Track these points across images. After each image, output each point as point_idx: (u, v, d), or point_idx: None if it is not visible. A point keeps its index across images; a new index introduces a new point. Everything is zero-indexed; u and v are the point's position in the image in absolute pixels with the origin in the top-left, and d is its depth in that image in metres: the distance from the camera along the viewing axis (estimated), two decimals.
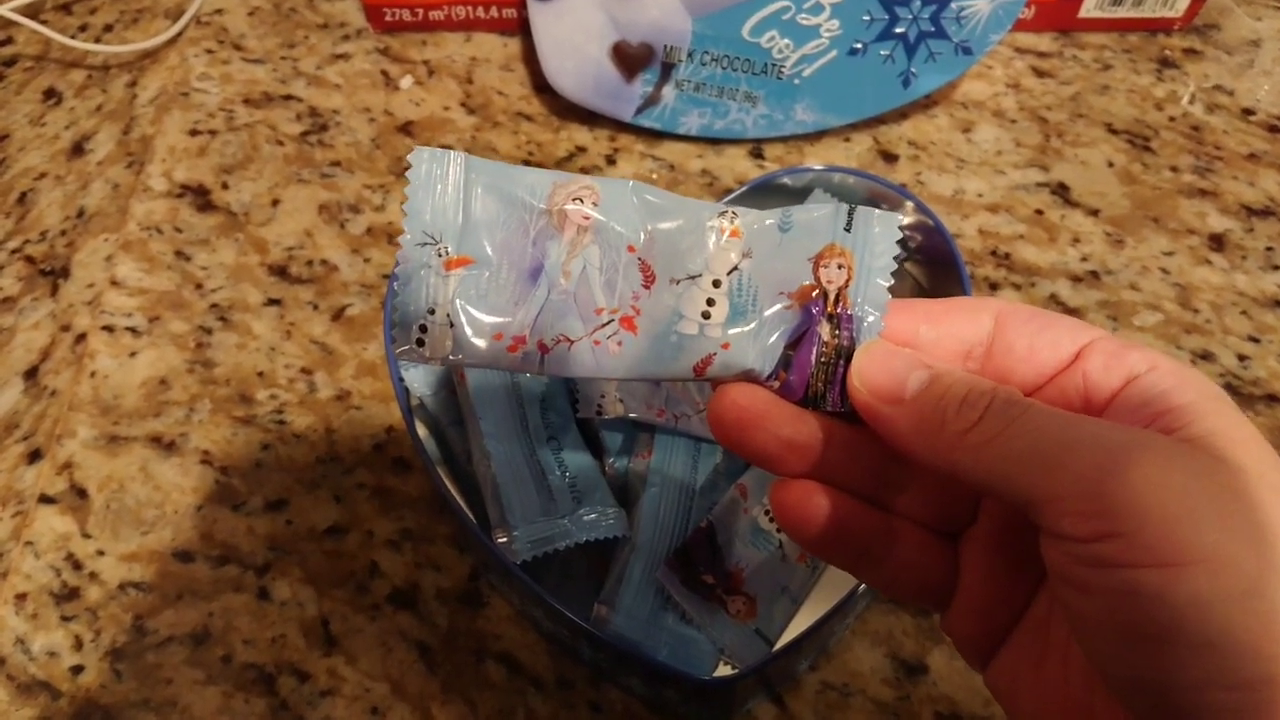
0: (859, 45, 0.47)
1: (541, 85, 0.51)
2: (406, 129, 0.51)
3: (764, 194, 0.41)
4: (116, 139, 0.51)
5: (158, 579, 0.37)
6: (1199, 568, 0.17)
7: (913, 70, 0.48)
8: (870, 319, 0.22)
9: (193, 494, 0.39)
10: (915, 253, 0.41)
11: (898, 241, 0.23)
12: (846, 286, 0.23)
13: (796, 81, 0.48)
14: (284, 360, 0.43)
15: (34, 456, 0.41)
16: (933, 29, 0.46)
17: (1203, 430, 0.19)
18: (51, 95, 0.54)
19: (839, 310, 0.23)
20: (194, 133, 0.51)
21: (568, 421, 0.37)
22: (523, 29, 0.53)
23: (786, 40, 0.46)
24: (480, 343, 0.22)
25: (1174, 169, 0.49)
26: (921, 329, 0.23)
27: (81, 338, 0.44)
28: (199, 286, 0.45)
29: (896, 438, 0.21)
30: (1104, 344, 0.22)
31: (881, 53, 0.47)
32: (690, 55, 0.47)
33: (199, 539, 0.38)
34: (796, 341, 0.23)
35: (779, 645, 0.33)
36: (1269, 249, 0.46)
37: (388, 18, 0.54)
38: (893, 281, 0.23)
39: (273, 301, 0.45)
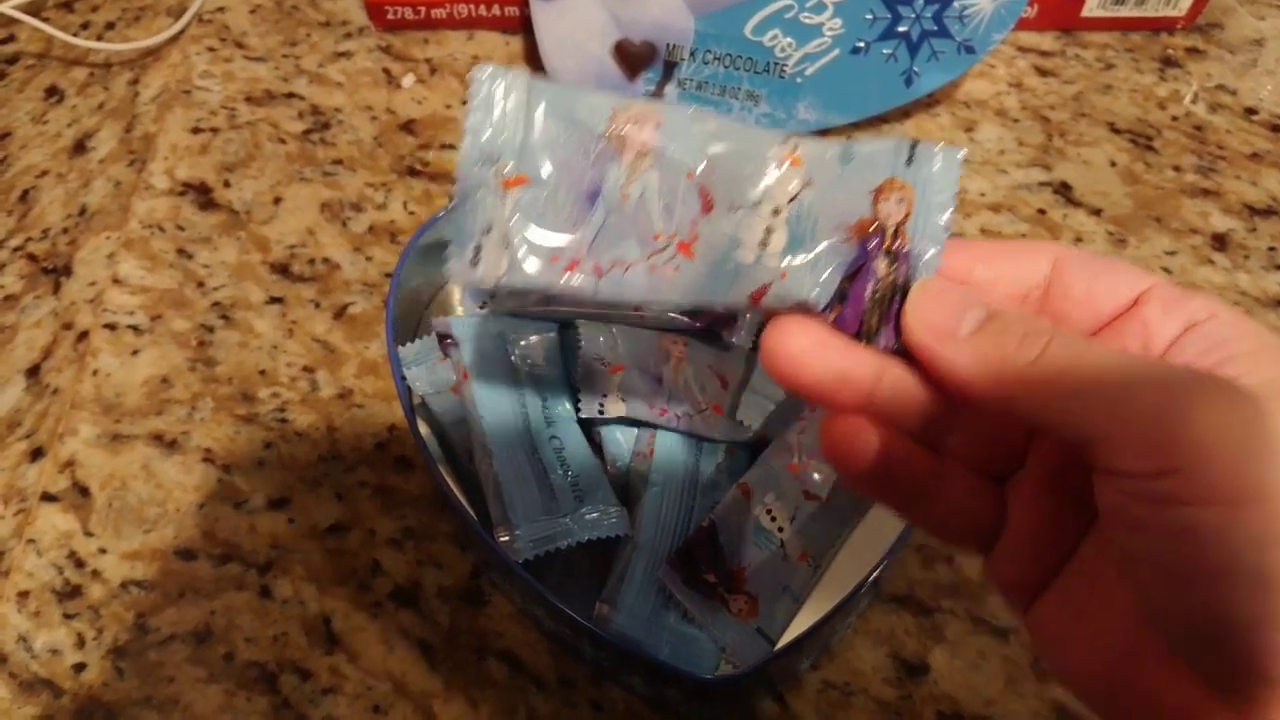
0: (861, 44, 0.47)
1: None
2: (408, 127, 0.51)
3: None
4: (118, 137, 0.51)
5: (160, 577, 0.37)
6: (1259, 507, 0.17)
7: (915, 69, 0.47)
8: (927, 255, 0.22)
9: (195, 492, 0.39)
10: None
11: (957, 179, 0.22)
12: (905, 222, 0.22)
13: (799, 80, 0.48)
14: (286, 359, 0.43)
15: (36, 454, 0.41)
16: (935, 28, 0.46)
17: (1261, 379, 0.19)
18: (53, 93, 0.54)
19: (896, 245, 0.22)
20: (196, 131, 0.51)
21: (570, 420, 0.37)
22: (525, 27, 0.53)
23: (789, 39, 0.46)
24: (536, 263, 0.22)
25: (1176, 168, 0.49)
26: (978, 269, 0.23)
27: (83, 336, 0.44)
28: (201, 285, 0.45)
29: (952, 374, 0.21)
30: (1163, 290, 0.22)
31: (884, 51, 0.47)
32: (692, 54, 0.47)
33: (201, 537, 0.38)
34: (853, 275, 0.22)
35: (780, 644, 0.33)
36: (1271, 249, 0.46)
37: (390, 16, 0.54)
38: (952, 219, 0.22)
39: (275, 300, 0.45)
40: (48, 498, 0.39)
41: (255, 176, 0.49)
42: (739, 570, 0.34)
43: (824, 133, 0.50)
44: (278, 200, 0.48)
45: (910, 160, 0.22)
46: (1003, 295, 0.22)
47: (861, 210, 0.22)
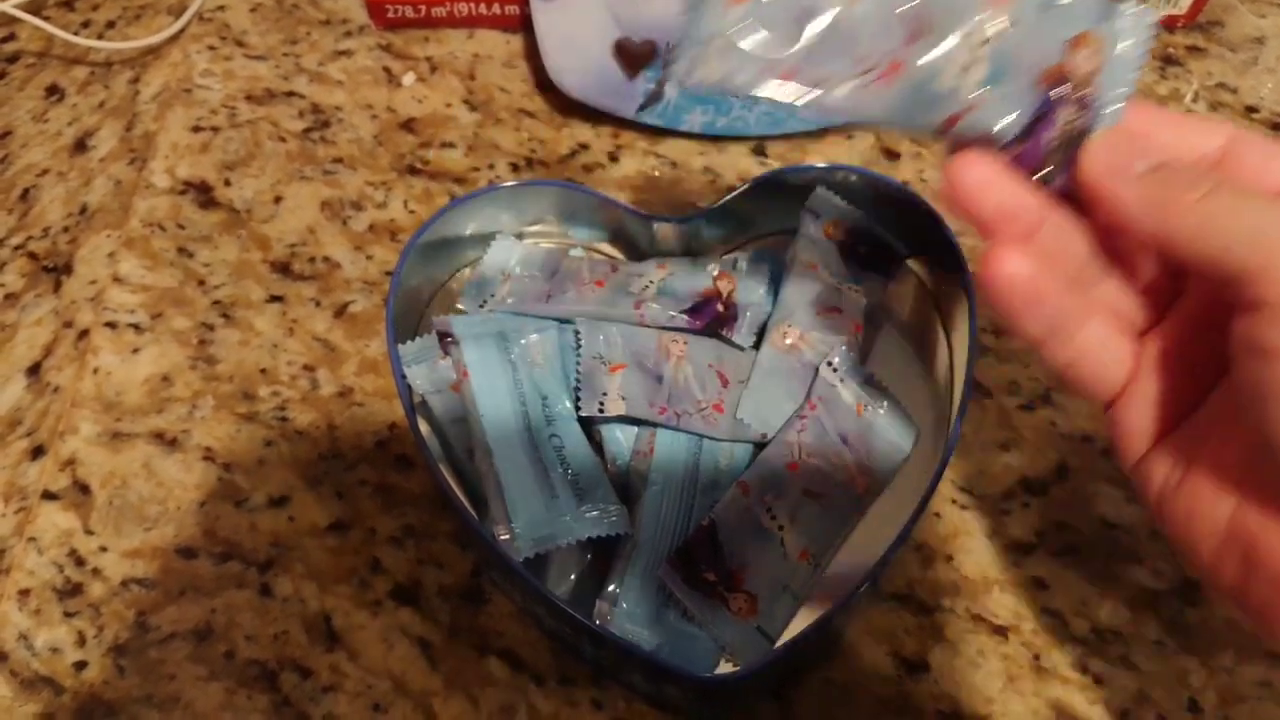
0: None
1: (544, 82, 0.51)
2: (409, 126, 0.51)
3: (767, 192, 0.41)
4: (119, 135, 0.51)
5: (160, 575, 0.37)
6: None
7: None
8: (1110, 109, 0.24)
9: (195, 490, 0.39)
10: (918, 250, 0.41)
11: (1147, 40, 0.24)
12: (1094, 74, 0.24)
13: None
14: (286, 357, 0.43)
15: (37, 453, 0.41)
16: None
17: None
18: (54, 92, 0.54)
19: (1083, 95, 0.24)
20: (196, 129, 0.51)
21: (570, 419, 0.37)
22: (525, 26, 0.53)
23: None
24: (751, 71, 0.25)
25: None
26: (1156, 131, 0.24)
27: (84, 334, 0.44)
28: (201, 283, 0.45)
29: (1119, 206, 0.23)
30: None
31: None
32: None
33: (201, 535, 0.38)
34: (1039, 118, 0.24)
35: (780, 643, 0.33)
36: None
37: (390, 14, 0.54)
38: (1138, 78, 0.24)
39: (275, 298, 0.45)
40: (48, 496, 0.39)
41: (256, 175, 0.49)
42: (739, 569, 0.34)
43: (823, 130, 0.50)
44: (278, 199, 0.48)
45: (1106, 17, 0.24)
46: (1176, 157, 0.24)
47: (1055, 58, 0.24)
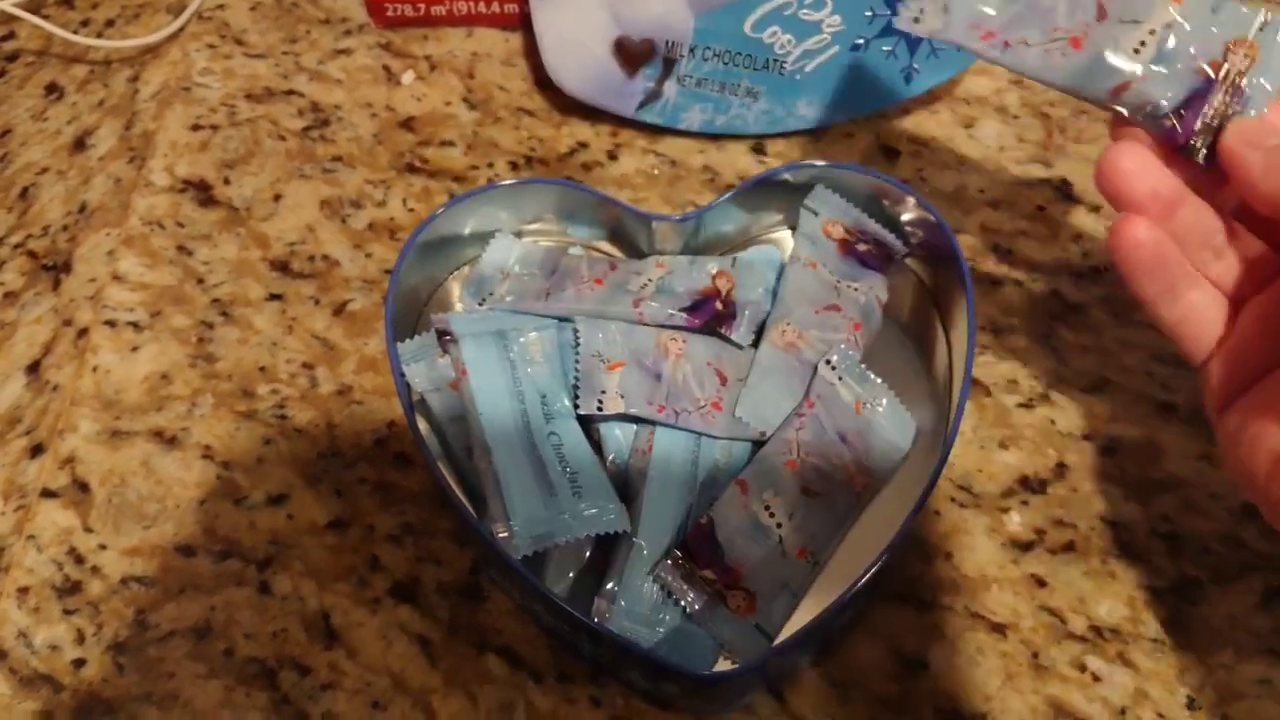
0: (861, 41, 0.47)
1: (543, 81, 0.51)
2: (408, 124, 0.51)
3: (766, 190, 0.41)
4: (118, 134, 0.51)
5: (159, 573, 0.38)
6: None
7: (915, 66, 0.47)
8: (1256, 102, 0.29)
9: (194, 488, 0.39)
10: (917, 248, 0.41)
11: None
12: (1246, 72, 0.29)
13: (798, 77, 0.48)
14: (285, 355, 0.43)
15: (36, 451, 0.41)
16: None
17: None
18: (53, 90, 0.54)
19: (1236, 87, 0.29)
20: (196, 128, 0.51)
21: (568, 417, 0.37)
22: (524, 24, 0.53)
23: (788, 36, 0.46)
24: (963, 27, 0.31)
25: None
26: None
27: (83, 332, 0.44)
28: (201, 281, 0.45)
29: (1248, 172, 0.28)
30: None
31: (884, 48, 0.47)
32: (692, 51, 0.47)
33: (201, 533, 0.38)
34: (1194, 99, 0.30)
35: (779, 640, 0.33)
36: None
37: (389, 13, 0.54)
38: None
39: (274, 297, 0.45)
40: (47, 494, 0.39)
41: (255, 173, 0.49)
42: (737, 566, 0.34)
43: (823, 130, 0.50)
44: (277, 197, 0.48)
45: (1263, 28, 0.30)
46: None
47: (1216, 53, 0.30)
